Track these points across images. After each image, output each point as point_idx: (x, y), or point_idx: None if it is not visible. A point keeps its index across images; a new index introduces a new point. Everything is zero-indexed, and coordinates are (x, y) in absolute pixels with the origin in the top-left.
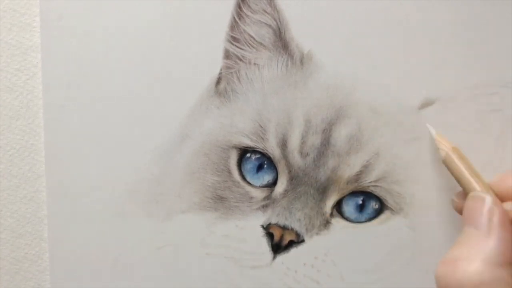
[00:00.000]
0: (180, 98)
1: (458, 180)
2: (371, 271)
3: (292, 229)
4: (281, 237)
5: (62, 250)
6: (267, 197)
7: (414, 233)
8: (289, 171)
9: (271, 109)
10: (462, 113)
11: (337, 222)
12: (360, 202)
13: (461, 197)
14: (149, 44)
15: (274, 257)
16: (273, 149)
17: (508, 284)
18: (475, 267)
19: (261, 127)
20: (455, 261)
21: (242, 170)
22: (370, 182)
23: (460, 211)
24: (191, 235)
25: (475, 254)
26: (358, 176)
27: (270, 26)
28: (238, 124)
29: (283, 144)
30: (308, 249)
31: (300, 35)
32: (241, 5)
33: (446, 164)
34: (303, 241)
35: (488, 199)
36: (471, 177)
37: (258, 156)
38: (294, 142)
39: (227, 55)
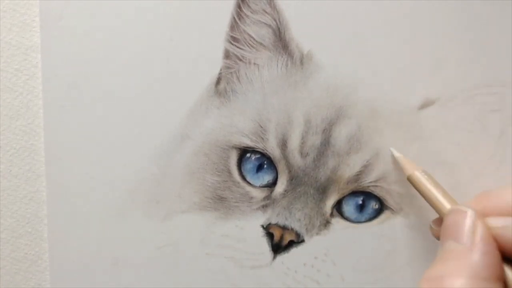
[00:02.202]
0: (180, 98)
1: (427, 198)
2: (371, 271)
3: (292, 229)
4: (281, 237)
5: (62, 250)
6: (267, 197)
7: (414, 233)
8: (289, 171)
9: (271, 109)
10: (462, 113)
11: (337, 222)
12: (360, 202)
13: (439, 224)
14: (149, 44)
15: (274, 257)
16: (273, 149)
17: None
18: (461, 284)
19: (261, 127)
20: (440, 277)
21: (242, 170)
22: (370, 182)
23: (439, 237)
24: (191, 235)
25: (461, 270)
26: (358, 176)
27: (270, 26)
28: (238, 124)
29: (283, 144)
30: (308, 249)
31: (300, 35)
32: (241, 5)
33: (412, 181)
34: (303, 241)
35: (471, 213)
36: (441, 194)
37: (258, 156)
38: (294, 142)
39: (227, 55)
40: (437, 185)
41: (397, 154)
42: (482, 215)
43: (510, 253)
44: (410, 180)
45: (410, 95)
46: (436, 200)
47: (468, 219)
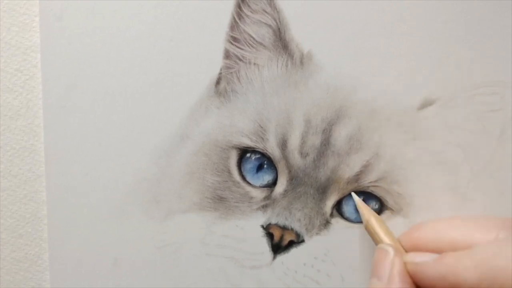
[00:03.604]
0: (180, 98)
1: (377, 242)
2: (371, 271)
3: (292, 229)
4: (281, 237)
5: (62, 250)
6: (267, 197)
7: None
8: (289, 171)
9: (271, 109)
10: (462, 113)
11: (337, 222)
12: None
13: None
14: (149, 44)
15: (274, 257)
16: (273, 149)
17: None
18: None
19: (261, 127)
20: None
21: (242, 170)
22: (370, 182)
23: None
24: (191, 235)
25: None
26: (358, 176)
27: (270, 26)
28: (238, 124)
29: (283, 144)
30: (308, 249)
31: (300, 35)
32: (241, 5)
33: (367, 229)
34: (303, 241)
35: (391, 251)
36: (386, 235)
37: (258, 156)
38: (294, 142)
39: (227, 55)
40: (386, 229)
41: (356, 198)
42: (412, 248)
43: (426, 286)
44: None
45: (410, 95)
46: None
47: (387, 258)
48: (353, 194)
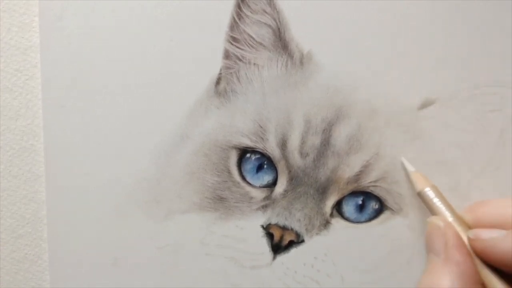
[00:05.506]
0: (180, 98)
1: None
2: (371, 271)
3: (292, 229)
4: (281, 237)
5: (62, 250)
6: (267, 197)
7: (414, 233)
8: (289, 171)
9: (271, 109)
10: (462, 113)
11: (337, 222)
12: (360, 202)
13: None
14: (149, 44)
15: (274, 257)
16: (273, 149)
17: None
18: None
19: (261, 127)
20: None
21: (242, 171)
22: (370, 182)
23: None
24: (191, 235)
25: (441, 282)
26: (358, 176)
27: (270, 26)
28: (238, 124)
29: (283, 144)
30: (308, 249)
31: (300, 35)
32: (241, 5)
33: (421, 197)
34: (303, 241)
35: (441, 224)
36: (446, 208)
37: (258, 156)
38: (294, 142)
39: (227, 55)
40: (444, 200)
41: (410, 168)
42: (475, 223)
43: (498, 263)
44: (420, 196)
45: (410, 95)
46: (441, 215)
47: (440, 232)
48: (402, 159)
